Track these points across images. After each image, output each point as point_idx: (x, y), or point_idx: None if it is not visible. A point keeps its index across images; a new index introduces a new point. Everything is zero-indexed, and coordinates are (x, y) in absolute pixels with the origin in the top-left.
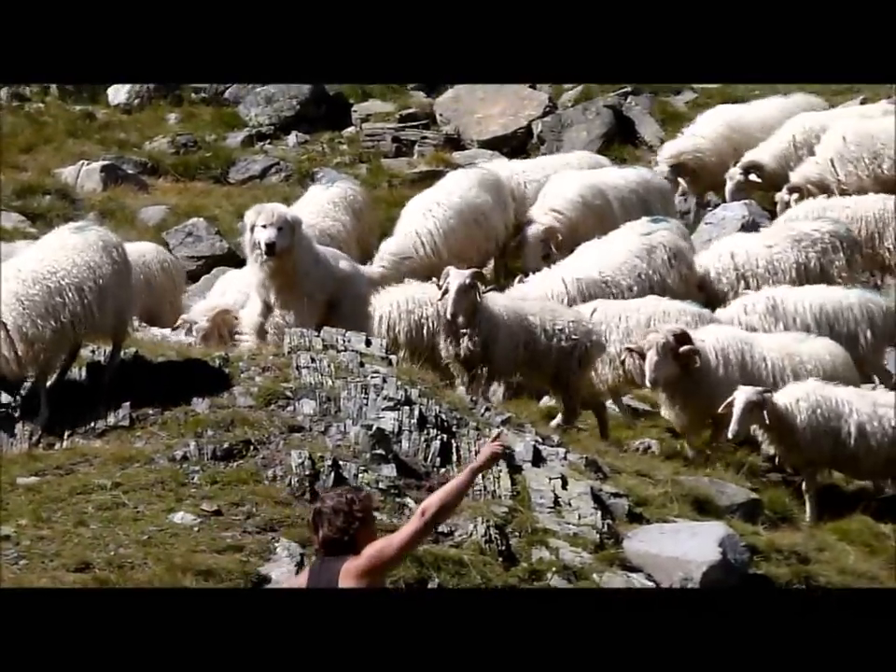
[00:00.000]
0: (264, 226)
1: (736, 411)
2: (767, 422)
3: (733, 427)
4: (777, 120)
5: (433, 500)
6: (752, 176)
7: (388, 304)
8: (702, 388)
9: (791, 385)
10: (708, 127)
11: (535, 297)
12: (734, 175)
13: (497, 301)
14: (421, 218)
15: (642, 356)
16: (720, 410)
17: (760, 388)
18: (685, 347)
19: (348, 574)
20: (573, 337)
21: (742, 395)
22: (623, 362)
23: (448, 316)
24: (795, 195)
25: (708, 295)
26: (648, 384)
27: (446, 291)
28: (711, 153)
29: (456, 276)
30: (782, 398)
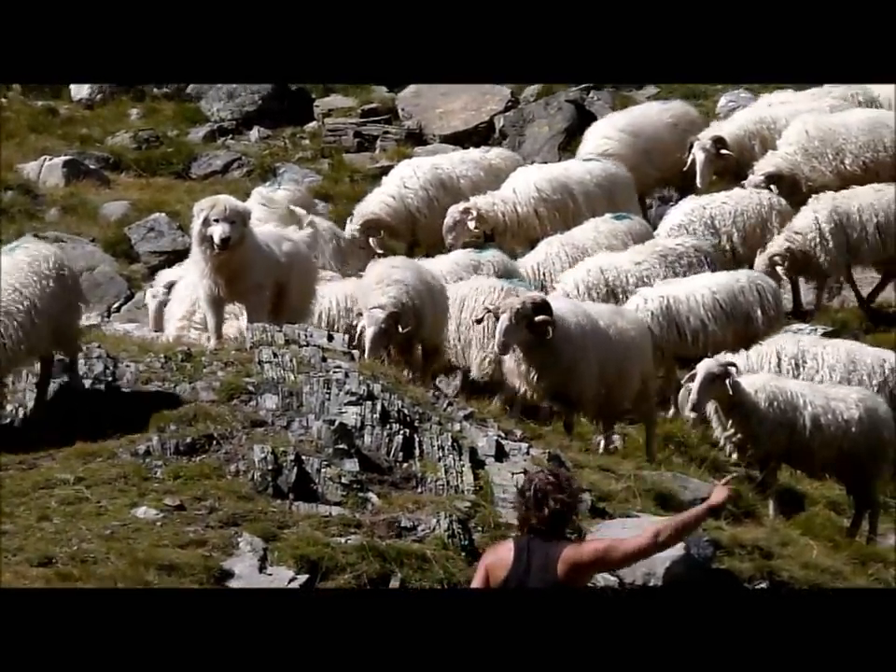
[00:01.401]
0: (217, 220)
1: (697, 381)
2: (730, 394)
3: (692, 398)
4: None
5: (668, 525)
6: (723, 151)
7: (329, 300)
8: (560, 362)
9: (746, 376)
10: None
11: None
12: (705, 146)
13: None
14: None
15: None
16: (683, 381)
17: (724, 360)
18: (540, 317)
19: (568, 561)
20: None
21: (704, 366)
22: (479, 320)
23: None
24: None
25: None
26: (496, 348)
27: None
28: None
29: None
30: None
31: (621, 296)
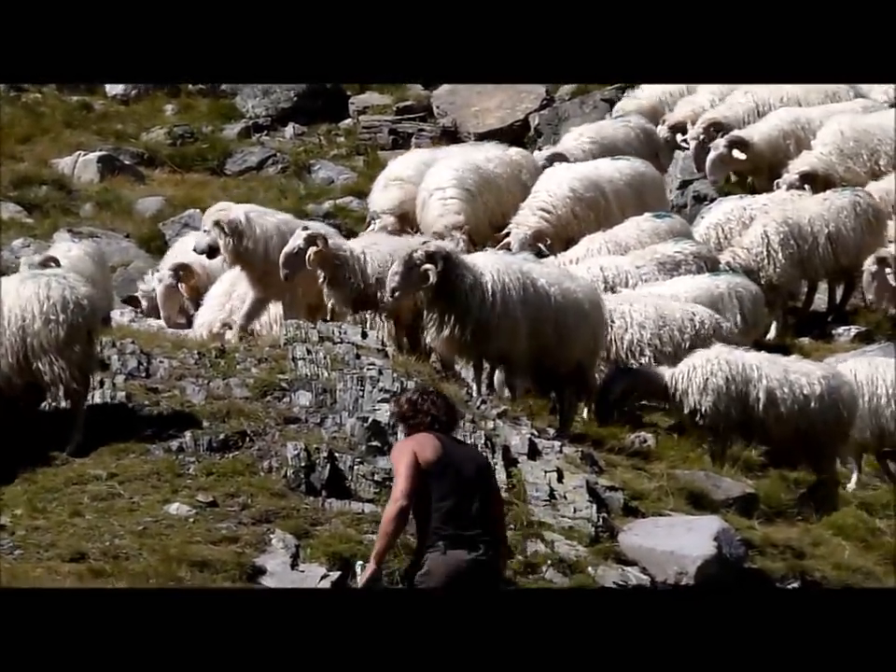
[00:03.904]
0: (206, 230)
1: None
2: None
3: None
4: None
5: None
6: (736, 152)
7: None
8: (470, 315)
9: (700, 351)
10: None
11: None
12: (718, 145)
13: None
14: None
15: None
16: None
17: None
18: (424, 266)
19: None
20: None
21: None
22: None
23: None
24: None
25: None
26: (388, 296)
27: None
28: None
29: None
30: (682, 365)
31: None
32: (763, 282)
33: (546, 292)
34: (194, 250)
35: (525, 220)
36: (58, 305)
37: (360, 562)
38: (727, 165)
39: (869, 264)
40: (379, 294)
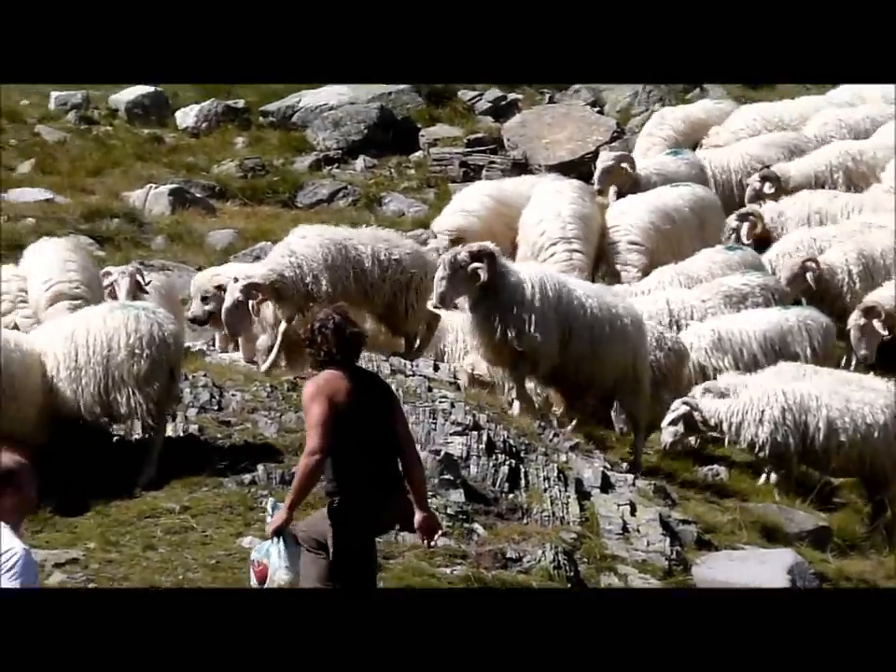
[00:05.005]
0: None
1: (671, 422)
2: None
3: (662, 438)
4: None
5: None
6: (766, 187)
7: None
8: (507, 315)
9: (758, 383)
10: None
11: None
12: (752, 181)
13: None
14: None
15: None
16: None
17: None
18: (473, 265)
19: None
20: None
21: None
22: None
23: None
24: None
25: None
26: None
27: None
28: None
29: None
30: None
31: (683, 329)
32: (833, 310)
33: (581, 303)
34: (193, 320)
35: (629, 260)
36: (144, 339)
37: (272, 499)
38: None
39: (855, 318)
40: (316, 286)
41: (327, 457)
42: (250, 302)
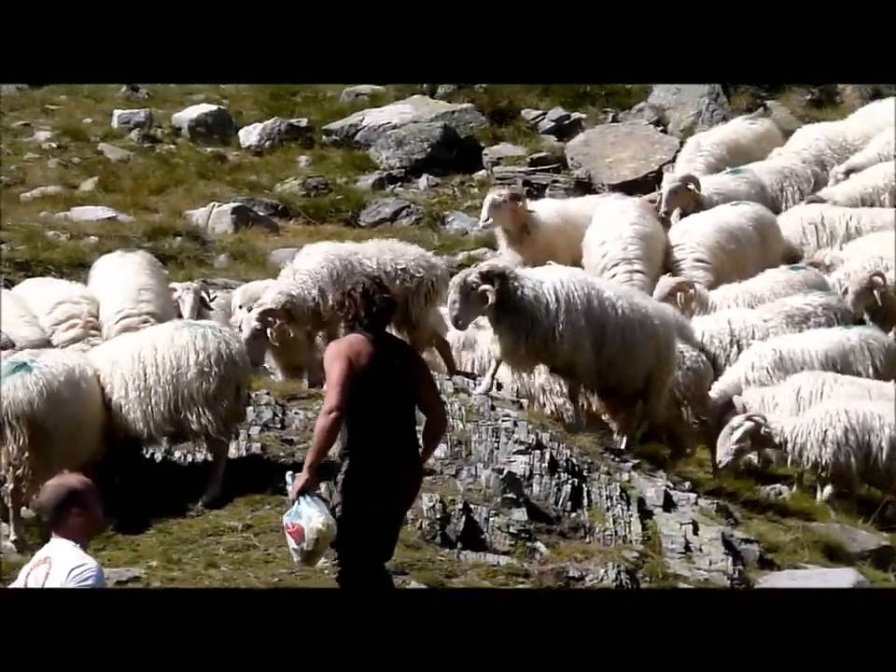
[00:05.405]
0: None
1: (732, 436)
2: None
3: (720, 454)
4: None
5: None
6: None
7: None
8: (534, 326)
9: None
10: None
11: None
12: (836, 173)
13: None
14: None
15: None
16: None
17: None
18: (482, 287)
19: (416, 357)
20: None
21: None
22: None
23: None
24: None
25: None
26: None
27: None
28: None
29: None
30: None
31: (744, 348)
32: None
33: (612, 304)
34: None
35: (695, 277)
36: (212, 357)
37: (290, 472)
38: None
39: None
40: (323, 302)
41: (342, 417)
42: (267, 330)
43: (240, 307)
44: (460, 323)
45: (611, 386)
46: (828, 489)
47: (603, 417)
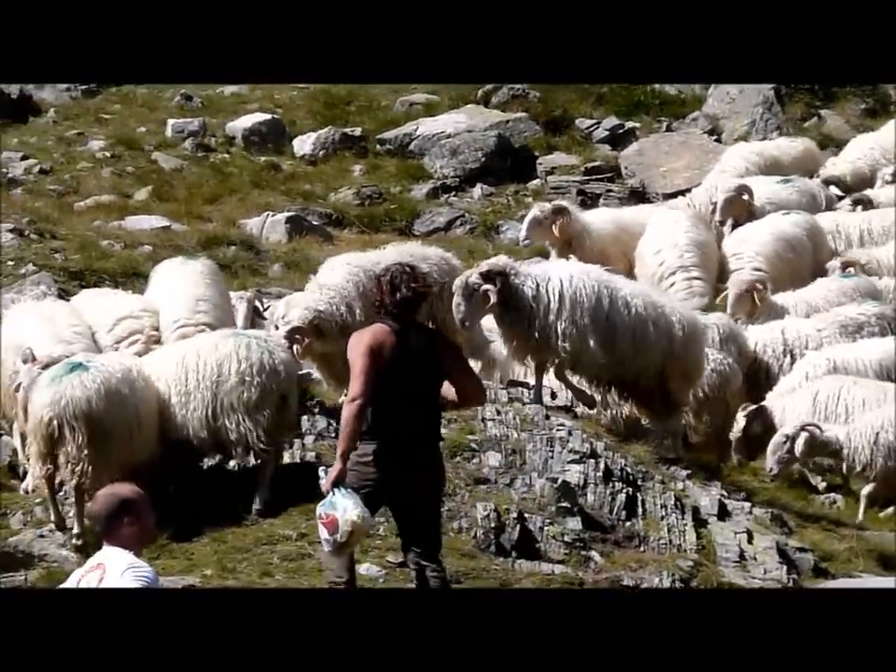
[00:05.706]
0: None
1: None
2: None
3: (770, 463)
4: None
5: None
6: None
7: None
8: (538, 321)
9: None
10: None
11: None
12: (883, 175)
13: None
14: None
15: None
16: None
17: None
18: (484, 287)
19: (444, 346)
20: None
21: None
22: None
23: None
24: None
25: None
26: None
27: None
28: None
29: None
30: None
31: (798, 357)
32: None
33: (626, 302)
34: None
35: (749, 279)
36: (254, 367)
37: (322, 467)
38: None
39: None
40: (350, 315)
41: (367, 405)
42: (295, 347)
43: (283, 318)
44: (466, 325)
45: (629, 384)
46: (868, 487)
47: (643, 422)
